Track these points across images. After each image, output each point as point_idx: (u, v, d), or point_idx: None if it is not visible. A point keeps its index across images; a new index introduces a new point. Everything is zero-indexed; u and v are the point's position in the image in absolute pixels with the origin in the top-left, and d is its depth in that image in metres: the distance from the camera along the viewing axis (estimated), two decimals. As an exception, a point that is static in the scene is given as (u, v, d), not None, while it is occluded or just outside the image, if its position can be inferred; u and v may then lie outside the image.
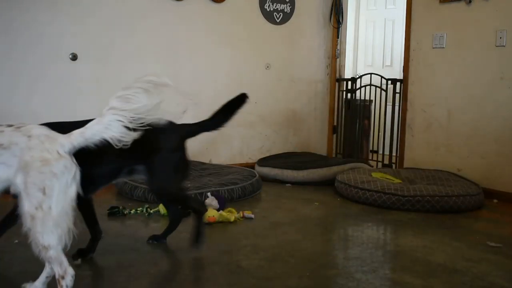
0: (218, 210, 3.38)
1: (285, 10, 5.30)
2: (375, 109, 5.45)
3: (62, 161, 1.89)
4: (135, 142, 2.00)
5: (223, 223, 3.24)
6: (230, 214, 3.31)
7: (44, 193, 1.83)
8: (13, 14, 3.95)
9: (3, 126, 1.96)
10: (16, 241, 2.79)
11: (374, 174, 4.28)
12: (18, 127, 1.95)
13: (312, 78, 5.59)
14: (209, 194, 3.59)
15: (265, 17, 5.18)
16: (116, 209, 3.38)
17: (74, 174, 1.92)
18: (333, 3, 5.60)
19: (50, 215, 1.83)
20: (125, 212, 3.38)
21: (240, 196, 3.85)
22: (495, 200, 4.07)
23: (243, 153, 5.16)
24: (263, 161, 4.84)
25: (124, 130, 1.93)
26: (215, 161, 4.93)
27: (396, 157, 5.03)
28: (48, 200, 1.83)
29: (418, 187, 3.82)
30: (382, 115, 5.34)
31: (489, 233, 3.19)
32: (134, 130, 1.96)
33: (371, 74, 5.29)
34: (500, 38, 4.10)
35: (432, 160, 4.64)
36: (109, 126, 1.93)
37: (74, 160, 1.94)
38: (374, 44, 6.60)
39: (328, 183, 4.50)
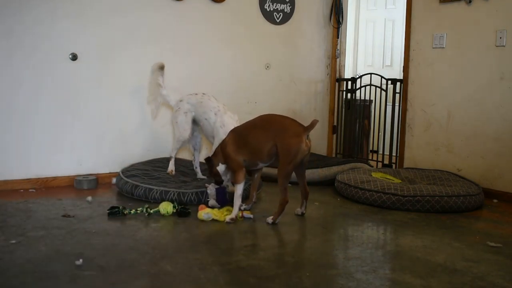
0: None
1: (285, 10, 5.30)
2: (375, 109, 5.45)
3: None
4: None
5: (223, 223, 3.24)
6: (221, 215, 3.30)
7: None
8: (14, 14, 3.95)
9: None
10: (14, 241, 2.79)
11: (374, 174, 4.28)
12: None
13: (312, 78, 5.59)
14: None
15: (265, 17, 5.18)
16: (116, 209, 3.37)
17: None
18: (333, 3, 5.60)
19: None
20: (125, 212, 3.38)
21: (240, 196, 3.84)
22: (495, 200, 4.07)
23: (243, 153, 5.14)
24: (263, 161, 4.83)
25: None
26: (215, 161, 4.92)
27: (396, 157, 5.03)
28: None
29: (418, 187, 3.82)
30: (382, 115, 5.34)
31: (489, 233, 3.19)
32: None
33: (371, 74, 5.29)
34: (500, 38, 4.10)
35: (432, 160, 4.64)
36: None
37: None
38: (374, 44, 6.62)
39: (328, 183, 4.50)
